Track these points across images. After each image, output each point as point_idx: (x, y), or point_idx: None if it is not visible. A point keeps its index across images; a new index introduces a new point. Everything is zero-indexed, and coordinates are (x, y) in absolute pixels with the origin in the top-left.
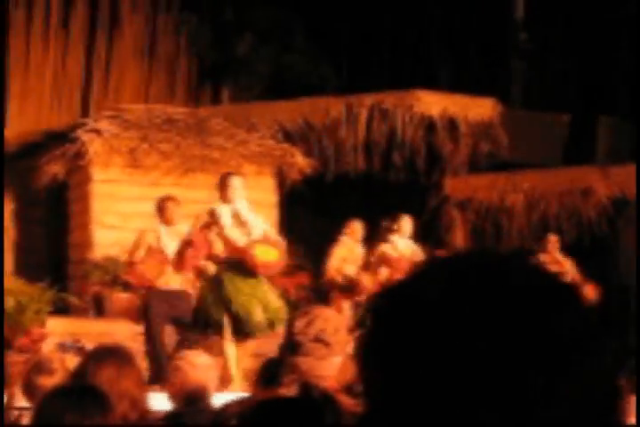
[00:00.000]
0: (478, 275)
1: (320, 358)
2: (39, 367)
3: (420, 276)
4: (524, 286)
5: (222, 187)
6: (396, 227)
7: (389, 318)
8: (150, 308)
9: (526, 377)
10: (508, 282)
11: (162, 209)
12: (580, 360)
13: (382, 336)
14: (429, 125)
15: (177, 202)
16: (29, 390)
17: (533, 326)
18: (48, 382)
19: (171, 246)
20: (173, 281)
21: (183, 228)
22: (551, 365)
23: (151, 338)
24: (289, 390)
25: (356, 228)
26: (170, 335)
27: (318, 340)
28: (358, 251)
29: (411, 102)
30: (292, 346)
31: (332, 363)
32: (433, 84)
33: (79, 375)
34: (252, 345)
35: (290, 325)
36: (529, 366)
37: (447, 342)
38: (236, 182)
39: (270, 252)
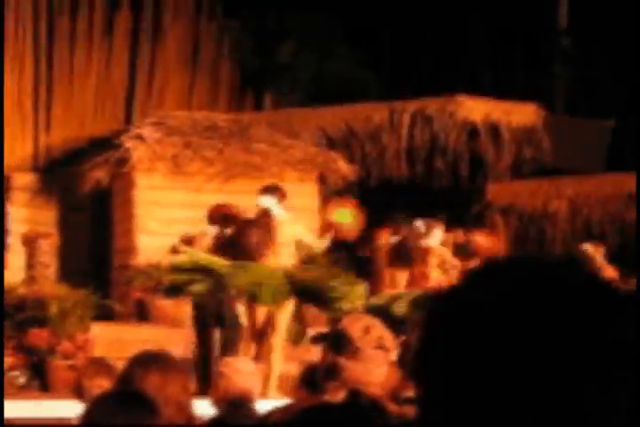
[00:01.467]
0: (535, 280)
1: (380, 364)
2: (96, 368)
3: (475, 280)
4: (581, 292)
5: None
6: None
7: (445, 323)
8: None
9: (583, 384)
10: (566, 288)
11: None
12: (634, 369)
13: (438, 342)
14: (472, 131)
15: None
16: (81, 392)
17: (590, 333)
18: (105, 382)
19: None
20: None
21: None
22: (607, 372)
23: (200, 343)
24: (333, 397)
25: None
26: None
27: (379, 346)
28: None
29: (453, 108)
30: (347, 352)
31: (385, 369)
32: (476, 89)
33: (125, 380)
34: (287, 351)
35: (341, 331)
36: (585, 373)
37: (503, 348)
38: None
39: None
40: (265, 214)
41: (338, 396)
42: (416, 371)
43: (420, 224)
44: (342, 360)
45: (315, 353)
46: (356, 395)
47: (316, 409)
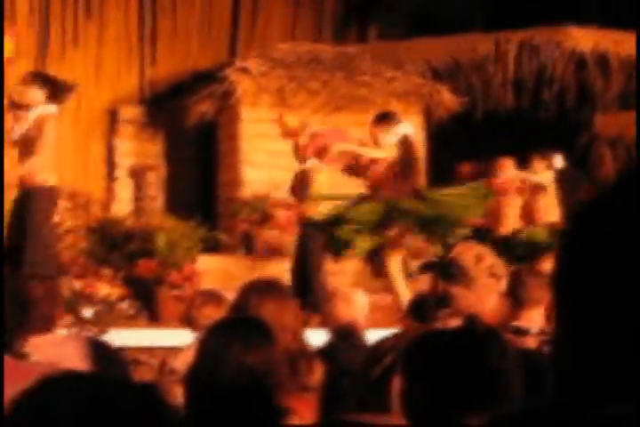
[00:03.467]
0: None
1: (491, 293)
2: (206, 299)
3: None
4: None
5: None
6: (546, 164)
7: (579, 242)
8: (310, 240)
9: None
10: None
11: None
12: None
13: (573, 262)
14: (580, 61)
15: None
16: (193, 320)
17: None
18: (215, 312)
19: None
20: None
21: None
22: None
23: (314, 271)
24: (444, 325)
25: (505, 165)
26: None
27: (492, 275)
28: None
29: (561, 38)
30: (459, 280)
31: (496, 298)
32: (584, 19)
33: (240, 308)
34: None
35: (453, 259)
36: None
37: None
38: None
39: None
40: (406, 140)
41: (450, 324)
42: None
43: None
44: (454, 289)
45: (417, 283)
46: (473, 321)
47: (434, 334)
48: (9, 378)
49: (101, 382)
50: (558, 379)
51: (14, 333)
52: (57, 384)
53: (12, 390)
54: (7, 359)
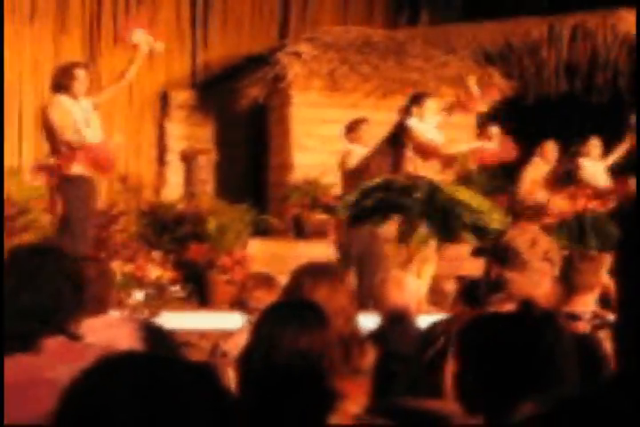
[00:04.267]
0: None
1: (545, 276)
2: (257, 282)
3: None
4: None
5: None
6: (585, 150)
7: None
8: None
9: None
10: None
11: (355, 130)
12: None
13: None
14: (634, 45)
15: (369, 123)
16: (245, 304)
17: None
18: (267, 295)
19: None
20: None
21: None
22: None
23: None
24: (498, 309)
25: (549, 149)
26: None
27: (546, 259)
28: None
29: (615, 22)
30: (514, 264)
31: (550, 283)
32: (638, 2)
33: (293, 292)
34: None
35: (507, 243)
36: None
37: None
38: (431, 104)
39: None
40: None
41: (503, 308)
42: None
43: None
44: (508, 273)
45: (466, 268)
46: (528, 305)
47: (489, 318)
48: (64, 359)
49: (161, 362)
50: (624, 363)
51: (68, 314)
52: (118, 364)
53: (67, 371)
54: (62, 340)
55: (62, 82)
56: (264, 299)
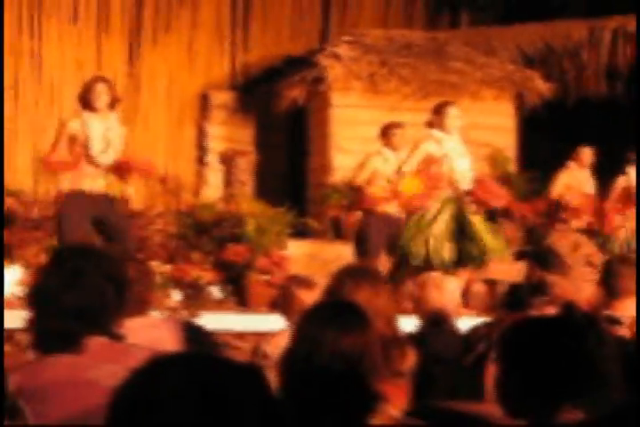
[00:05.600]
0: None
1: (587, 280)
2: (295, 283)
3: None
4: None
5: (438, 115)
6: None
7: None
8: (367, 231)
9: None
10: None
11: (387, 135)
12: None
13: None
14: None
15: (403, 127)
16: (285, 305)
17: None
18: (307, 296)
19: (389, 171)
20: (390, 207)
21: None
22: None
23: (364, 261)
24: (540, 313)
25: (584, 154)
26: (383, 261)
27: (588, 263)
28: (584, 177)
29: None
30: (556, 268)
31: (591, 287)
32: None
33: (334, 293)
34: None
35: (550, 247)
36: None
37: None
38: (453, 112)
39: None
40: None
41: (545, 312)
42: None
43: None
44: (550, 276)
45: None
46: (570, 308)
47: (532, 321)
48: (105, 359)
49: (212, 363)
50: None
51: (111, 314)
52: (169, 365)
53: (108, 371)
54: (103, 341)
55: (84, 96)
56: (303, 301)
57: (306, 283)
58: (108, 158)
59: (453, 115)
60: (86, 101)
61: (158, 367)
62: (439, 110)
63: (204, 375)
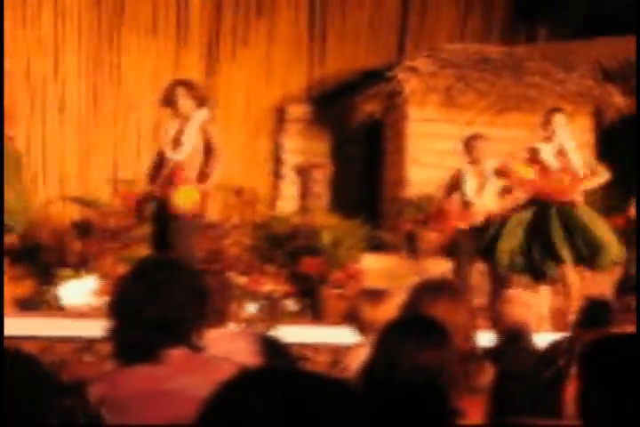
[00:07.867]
0: None
1: None
2: (370, 297)
3: None
4: None
5: (545, 124)
6: None
7: None
8: (459, 245)
9: None
10: None
11: (469, 147)
12: None
13: None
14: None
15: (485, 140)
16: (354, 318)
17: None
18: (377, 310)
19: (472, 185)
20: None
21: (490, 164)
22: None
23: (459, 276)
24: (622, 329)
25: None
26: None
27: None
28: None
29: None
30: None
31: None
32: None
33: (412, 308)
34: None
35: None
36: None
37: None
38: (559, 119)
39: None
40: None
41: (628, 329)
42: None
43: None
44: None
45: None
46: None
47: (613, 338)
48: (186, 370)
49: (302, 378)
50: None
51: (192, 326)
52: (259, 379)
53: (189, 382)
54: (184, 352)
55: (165, 97)
56: (377, 315)
57: (376, 296)
58: (177, 156)
59: (559, 122)
60: (168, 103)
61: (248, 382)
62: (546, 120)
63: (293, 391)
